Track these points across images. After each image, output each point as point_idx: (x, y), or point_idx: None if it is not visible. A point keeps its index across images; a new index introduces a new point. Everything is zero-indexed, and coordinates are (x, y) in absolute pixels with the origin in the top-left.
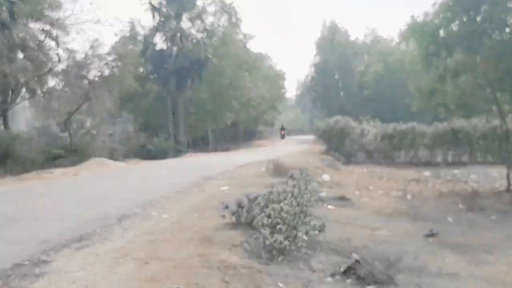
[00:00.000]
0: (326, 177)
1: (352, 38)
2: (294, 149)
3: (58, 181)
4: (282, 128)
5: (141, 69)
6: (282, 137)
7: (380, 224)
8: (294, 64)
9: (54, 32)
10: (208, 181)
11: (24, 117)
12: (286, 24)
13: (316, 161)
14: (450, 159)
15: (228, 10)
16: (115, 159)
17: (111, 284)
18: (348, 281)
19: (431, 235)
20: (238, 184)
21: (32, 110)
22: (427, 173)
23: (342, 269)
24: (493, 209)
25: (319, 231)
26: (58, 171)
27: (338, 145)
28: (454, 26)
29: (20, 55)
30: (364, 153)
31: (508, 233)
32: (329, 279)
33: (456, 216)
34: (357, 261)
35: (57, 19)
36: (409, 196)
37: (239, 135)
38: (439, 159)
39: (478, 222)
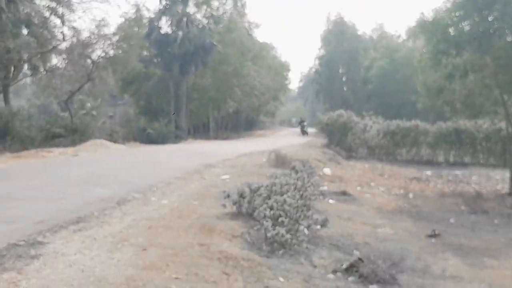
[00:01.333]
0: (327, 171)
1: (359, 33)
2: (296, 141)
3: (57, 160)
4: (302, 122)
5: (145, 52)
6: (303, 132)
7: (381, 221)
8: (298, 56)
9: (60, 10)
10: (209, 169)
11: (25, 94)
12: (292, 15)
13: (317, 154)
14: (452, 159)
15: None
16: (114, 141)
17: (109, 269)
18: (350, 278)
19: (434, 235)
20: (239, 173)
21: (33, 87)
22: (428, 172)
23: (344, 266)
24: (496, 212)
25: (322, 225)
26: (57, 151)
27: (340, 140)
28: (466, 25)
29: (25, 31)
30: (366, 149)
31: (511, 237)
32: (331, 275)
33: (459, 217)
34: (359, 258)
35: None
36: (411, 195)
37: (240, 124)
38: (440, 158)
39: (480, 225)
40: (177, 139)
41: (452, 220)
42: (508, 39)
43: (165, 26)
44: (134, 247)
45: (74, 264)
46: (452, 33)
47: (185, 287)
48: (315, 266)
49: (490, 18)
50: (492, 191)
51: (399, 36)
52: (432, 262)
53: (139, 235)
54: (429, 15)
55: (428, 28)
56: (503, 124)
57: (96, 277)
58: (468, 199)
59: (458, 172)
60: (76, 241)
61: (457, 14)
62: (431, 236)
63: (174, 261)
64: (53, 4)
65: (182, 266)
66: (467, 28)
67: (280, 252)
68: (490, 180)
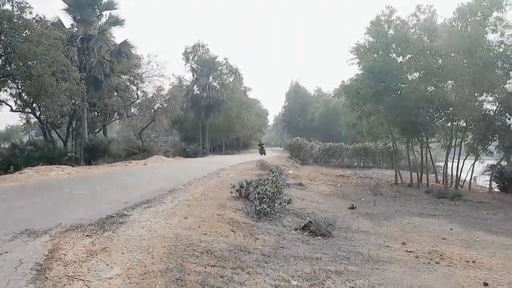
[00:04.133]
0: (290, 172)
1: (307, 92)
2: (272, 155)
3: (134, 168)
4: (260, 145)
5: (184, 105)
6: (262, 152)
7: (322, 200)
8: (273, 105)
9: (135, 81)
10: (222, 171)
11: (115, 129)
12: (270, 81)
13: (285, 162)
14: (362, 164)
15: (234, 72)
16: (167, 156)
17: (165, 229)
18: (305, 233)
19: (352, 208)
20: (240, 173)
21: (120, 126)
22: (349, 171)
23: (301, 226)
24: (388, 194)
25: (288, 203)
26: (134, 162)
27: (297, 154)
28: (368, 88)
29: (115, 93)
30: (313, 159)
31: (397, 209)
32: (294, 232)
33: (366, 197)
34: (310, 221)
35: (137, 73)
36: (339, 185)
37: (240, 145)
38: (355, 164)
39: (379, 201)
40: (203, 154)
41: (362, 199)
42: (392, 95)
43: (196, 90)
44: (179, 217)
45: (145, 227)
46: (361, 92)
47: (209, 239)
48: (284, 226)
49: (382, 84)
50: (385, 182)
51: (330, 95)
52: (352, 223)
53: (182, 210)
54: (347, 82)
55: (347, 90)
56: (391, 144)
57: (158, 234)
58: (371, 186)
59: (365, 171)
60: (146, 214)
61: (363, 82)
62: (350, 208)
63: (202, 224)
64: (131, 78)
65: (207, 227)
66: (369, 89)
67: (264, 218)
68: (384, 176)
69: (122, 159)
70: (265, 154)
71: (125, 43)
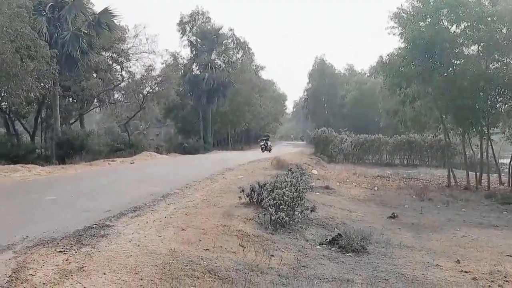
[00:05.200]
0: (314, 171)
1: (336, 71)
2: (291, 150)
3: (118, 167)
4: (265, 137)
5: (181, 88)
6: (265, 149)
7: (354, 207)
8: (292, 88)
9: (120, 59)
10: (229, 171)
11: (95, 120)
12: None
13: (307, 160)
14: (405, 162)
15: (243, 46)
16: (160, 153)
17: (157, 244)
18: (333, 249)
19: (393, 217)
20: (251, 174)
21: (100, 115)
22: (388, 171)
23: (328, 240)
24: (438, 199)
25: (311, 211)
26: (118, 160)
27: (323, 149)
28: (412, 65)
29: (94, 75)
30: (342, 155)
31: (449, 217)
32: (318, 247)
33: (411, 203)
34: (339, 234)
35: (122, 49)
36: (375, 188)
37: (250, 138)
38: (397, 161)
39: (427, 209)
40: (205, 150)
41: (406, 206)
42: (443, 74)
43: (195, 69)
44: (175, 228)
45: (132, 241)
46: (403, 71)
47: (213, 256)
48: (307, 240)
49: (430, 60)
50: (435, 184)
51: (364, 74)
52: (392, 236)
53: (178, 220)
54: (386, 58)
55: (386, 67)
56: (442, 136)
57: (148, 249)
58: (417, 190)
59: (410, 171)
60: (134, 224)
61: (406, 57)
62: (391, 217)
63: (204, 238)
64: (115, 55)
65: (210, 241)
66: (414, 67)
67: (281, 230)
68: (433, 176)
69: (103, 157)
70: (269, 151)
71: (106, 12)
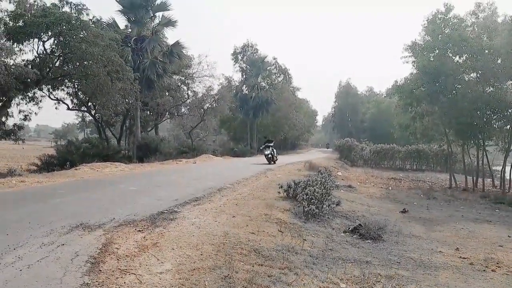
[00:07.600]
0: (339, 173)
1: (358, 92)
2: (320, 156)
3: (184, 166)
4: (267, 142)
5: (233, 105)
6: (271, 160)
7: (372, 203)
8: (322, 105)
9: (186, 81)
10: (270, 171)
11: (166, 128)
12: (319, 82)
13: (333, 163)
14: (414, 167)
15: (283, 71)
16: (216, 155)
17: (214, 227)
18: (354, 236)
19: (404, 211)
20: (287, 174)
21: (171, 125)
22: (400, 174)
23: (350, 229)
24: (441, 198)
25: (336, 205)
26: (183, 160)
27: (346, 155)
28: (422, 88)
29: (166, 93)
30: (362, 161)
31: (451, 213)
32: (342, 234)
33: (419, 201)
34: (360, 224)
35: (188, 73)
36: (390, 188)
37: (287, 145)
38: (408, 166)
39: (432, 206)
40: (251, 154)
41: (415, 203)
42: (448, 96)
43: (244, 90)
44: (228, 215)
45: (194, 224)
46: (414, 93)
47: (257, 238)
48: (333, 228)
49: (437, 85)
50: (439, 186)
51: (382, 95)
52: (403, 227)
53: (230, 208)
54: (400, 82)
55: (400, 89)
56: (445, 147)
57: (206, 231)
58: (424, 190)
59: (418, 174)
60: (195, 211)
61: (417, 81)
62: (402, 212)
63: (250, 224)
64: (182, 78)
65: (255, 226)
66: (423, 90)
67: (312, 220)
68: (437, 179)
69: (172, 157)
70: (274, 162)
71: (177, 44)
